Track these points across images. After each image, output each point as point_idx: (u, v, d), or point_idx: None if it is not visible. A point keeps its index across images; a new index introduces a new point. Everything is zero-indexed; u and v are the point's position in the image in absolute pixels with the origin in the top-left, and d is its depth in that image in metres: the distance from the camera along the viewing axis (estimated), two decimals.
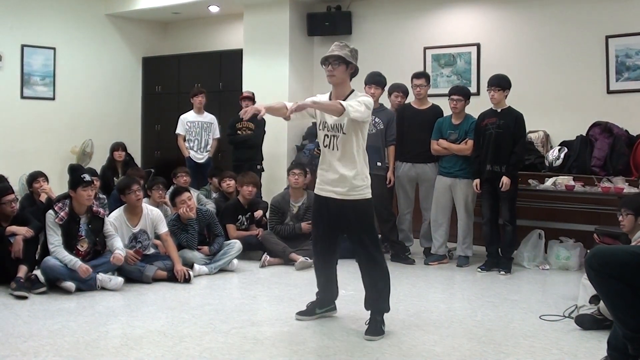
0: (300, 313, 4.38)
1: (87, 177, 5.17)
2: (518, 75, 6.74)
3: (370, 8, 8.64)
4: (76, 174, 5.22)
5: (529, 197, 6.50)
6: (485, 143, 5.93)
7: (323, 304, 4.41)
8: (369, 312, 4.14)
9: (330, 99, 4.12)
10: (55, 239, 5.03)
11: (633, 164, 6.50)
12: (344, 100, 3.95)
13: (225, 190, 7.00)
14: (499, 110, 5.95)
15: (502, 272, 5.86)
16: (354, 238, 4.13)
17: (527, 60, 7.52)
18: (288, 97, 8.25)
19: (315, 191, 4.22)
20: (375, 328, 4.04)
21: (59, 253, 4.98)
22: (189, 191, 6.14)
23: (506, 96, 5.95)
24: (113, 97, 10.28)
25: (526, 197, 6.44)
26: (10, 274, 4.91)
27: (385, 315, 4.07)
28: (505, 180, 5.80)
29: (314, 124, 4.36)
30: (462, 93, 6.19)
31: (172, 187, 6.92)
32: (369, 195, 4.09)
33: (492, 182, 5.94)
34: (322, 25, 8.75)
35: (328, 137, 4.08)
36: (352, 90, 4.12)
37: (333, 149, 4.07)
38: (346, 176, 4.02)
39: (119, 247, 5.20)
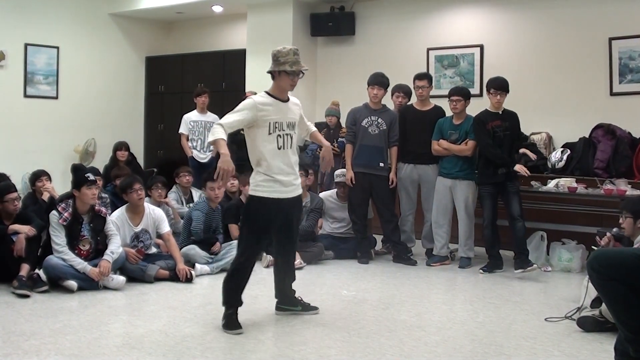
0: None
1: (91, 176, 5.19)
2: (521, 77, 6.74)
3: (373, 9, 8.64)
4: (79, 173, 5.23)
5: (532, 198, 6.48)
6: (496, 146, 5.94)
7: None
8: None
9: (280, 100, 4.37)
10: (60, 240, 5.03)
11: (636, 166, 6.50)
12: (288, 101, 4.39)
13: (228, 190, 6.99)
14: (500, 112, 5.95)
15: (529, 268, 5.67)
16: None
17: (530, 62, 7.52)
18: None
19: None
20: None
21: (66, 255, 4.99)
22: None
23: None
24: (116, 96, 10.30)
25: (529, 198, 6.42)
26: (13, 273, 4.92)
27: (386, 315, 4.03)
28: (521, 167, 5.91)
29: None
30: (461, 93, 6.18)
31: (174, 187, 6.95)
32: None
33: (495, 184, 5.94)
34: (325, 25, 8.76)
35: (281, 137, 4.32)
36: None
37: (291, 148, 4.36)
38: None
39: (110, 250, 5.14)
